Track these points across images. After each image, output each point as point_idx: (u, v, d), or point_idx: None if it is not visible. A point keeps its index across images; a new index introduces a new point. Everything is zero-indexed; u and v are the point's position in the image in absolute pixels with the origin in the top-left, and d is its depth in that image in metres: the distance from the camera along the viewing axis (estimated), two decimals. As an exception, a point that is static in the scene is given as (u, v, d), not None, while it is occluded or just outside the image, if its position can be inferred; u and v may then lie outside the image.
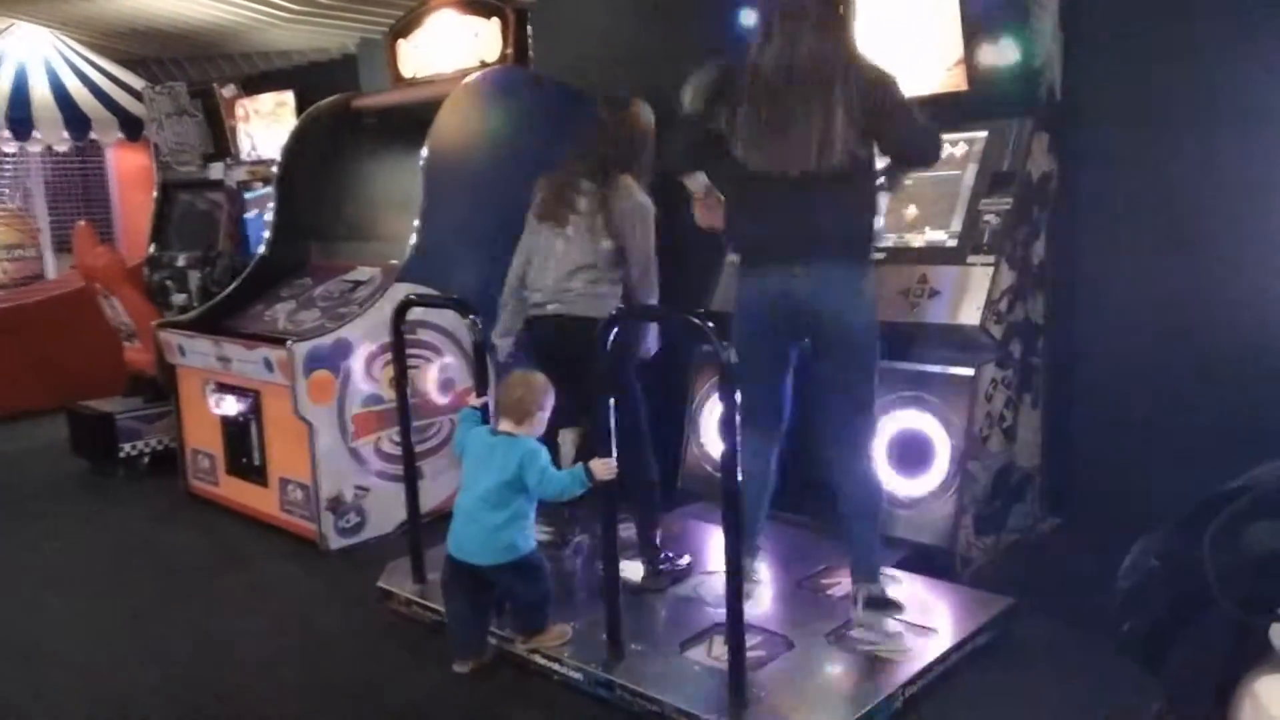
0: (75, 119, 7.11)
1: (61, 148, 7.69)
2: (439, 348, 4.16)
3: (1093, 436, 3.64)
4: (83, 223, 5.77)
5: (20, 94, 7.01)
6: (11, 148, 7.48)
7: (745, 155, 2.71)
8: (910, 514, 3.31)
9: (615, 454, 2.68)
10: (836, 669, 2.66)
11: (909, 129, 2.71)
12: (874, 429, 2.87)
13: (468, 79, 4.27)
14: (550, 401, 2.82)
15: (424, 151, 4.08)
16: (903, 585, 3.02)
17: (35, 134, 7.06)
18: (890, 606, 2.76)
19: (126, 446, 5.09)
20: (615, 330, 2.65)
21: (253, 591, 3.64)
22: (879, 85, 2.65)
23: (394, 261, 4.16)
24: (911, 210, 3.52)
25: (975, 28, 3.29)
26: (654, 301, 3.25)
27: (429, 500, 3.44)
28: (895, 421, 3.35)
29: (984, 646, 2.80)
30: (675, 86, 4.70)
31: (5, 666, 3.14)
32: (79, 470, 5.28)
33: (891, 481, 3.37)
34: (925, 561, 3.21)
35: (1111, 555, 2.34)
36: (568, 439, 3.49)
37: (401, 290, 3.82)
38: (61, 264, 8.06)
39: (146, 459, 5.15)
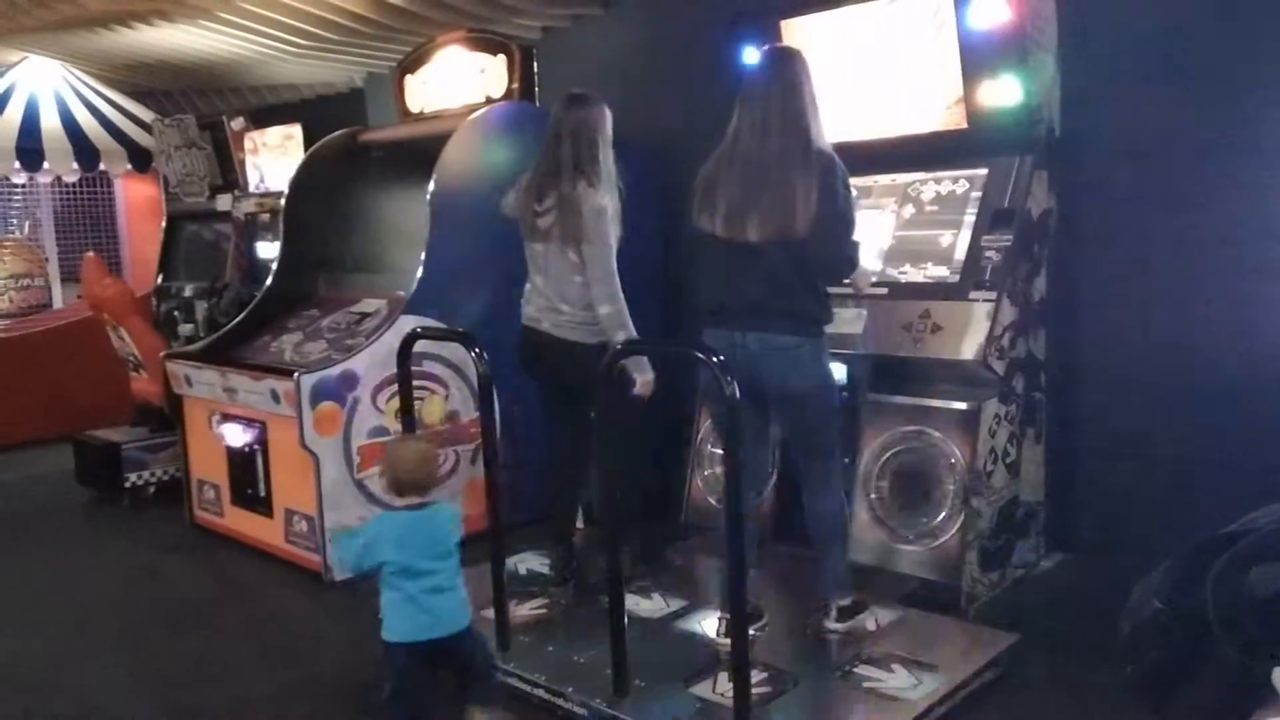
0: (85, 150, 7.18)
1: (71, 179, 7.77)
2: (444, 380, 4.18)
3: (1096, 471, 3.65)
4: (91, 253, 5.81)
5: (31, 125, 7.09)
6: (21, 178, 7.56)
7: (709, 221, 2.85)
8: (914, 550, 3.32)
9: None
10: (843, 706, 2.66)
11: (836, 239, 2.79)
12: (834, 469, 2.99)
13: (474, 114, 4.33)
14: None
15: (431, 185, 4.13)
16: (906, 621, 3.01)
17: (45, 165, 7.12)
18: (858, 611, 3.01)
19: (132, 476, 5.10)
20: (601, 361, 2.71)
21: (256, 623, 3.64)
22: (832, 182, 2.74)
23: (400, 293, 4.20)
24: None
25: (975, 67, 3.34)
26: (612, 307, 3.20)
27: (433, 533, 3.46)
28: (899, 456, 3.36)
29: (989, 684, 2.80)
30: (679, 121, 4.75)
31: (6, 695, 3.13)
32: (84, 500, 5.28)
33: (894, 518, 3.39)
34: (930, 597, 3.21)
35: (1116, 590, 2.35)
36: None
37: (408, 323, 3.84)
38: (68, 294, 8.11)
39: (152, 489, 5.15)
